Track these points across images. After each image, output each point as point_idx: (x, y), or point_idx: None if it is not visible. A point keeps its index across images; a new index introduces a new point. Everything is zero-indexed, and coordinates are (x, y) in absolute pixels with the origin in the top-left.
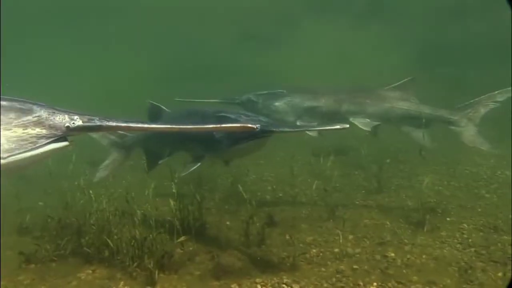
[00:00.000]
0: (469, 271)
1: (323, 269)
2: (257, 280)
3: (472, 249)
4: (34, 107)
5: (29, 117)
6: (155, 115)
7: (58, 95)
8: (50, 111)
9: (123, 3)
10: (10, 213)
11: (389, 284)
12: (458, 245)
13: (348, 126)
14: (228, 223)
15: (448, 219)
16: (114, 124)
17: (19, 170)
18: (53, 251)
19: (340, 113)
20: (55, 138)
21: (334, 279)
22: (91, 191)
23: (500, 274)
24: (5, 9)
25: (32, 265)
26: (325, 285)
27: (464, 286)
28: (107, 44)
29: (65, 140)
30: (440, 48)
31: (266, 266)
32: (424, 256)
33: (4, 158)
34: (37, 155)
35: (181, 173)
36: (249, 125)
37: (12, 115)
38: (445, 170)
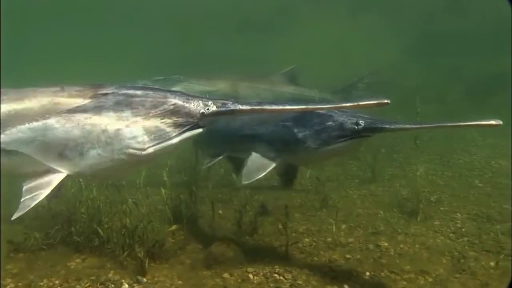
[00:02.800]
0: (462, 261)
1: (315, 258)
2: (249, 269)
3: (465, 239)
4: (168, 95)
5: (166, 106)
6: None
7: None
8: (184, 98)
9: None
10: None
11: (382, 274)
12: (451, 235)
13: (501, 123)
14: (220, 211)
15: (441, 208)
16: (248, 107)
17: (151, 162)
18: (42, 240)
19: (235, 97)
20: (191, 125)
21: (326, 269)
22: (81, 180)
23: (492, 263)
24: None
25: (21, 254)
26: (318, 274)
27: (457, 275)
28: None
29: (199, 127)
30: (436, 38)
31: (258, 255)
32: (417, 246)
33: (144, 150)
34: (174, 144)
35: (202, 166)
36: (384, 101)
37: (148, 104)
38: (439, 160)
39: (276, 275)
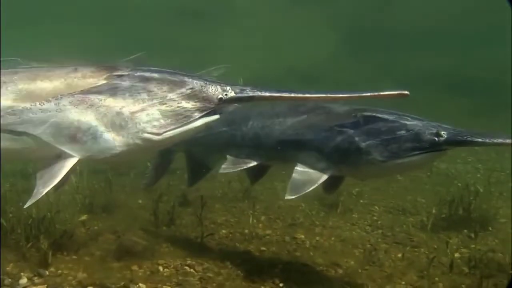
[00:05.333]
0: (373, 253)
1: (230, 250)
2: (160, 261)
3: (380, 231)
4: (186, 79)
5: (183, 90)
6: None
7: None
8: (202, 82)
9: None
10: None
11: (294, 266)
12: (367, 227)
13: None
14: (140, 201)
15: (361, 201)
16: (267, 94)
17: (166, 146)
18: None
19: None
20: (208, 111)
21: (239, 261)
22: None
23: (399, 255)
24: None
25: None
26: (230, 267)
27: (366, 267)
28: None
29: (215, 113)
30: (369, 33)
31: (172, 247)
32: (332, 238)
33: (160, 134)
34: (191, 130)
35: (222, 171)
36: (405, 92)
37: (165, 87)
38: None
39: (187, 267)
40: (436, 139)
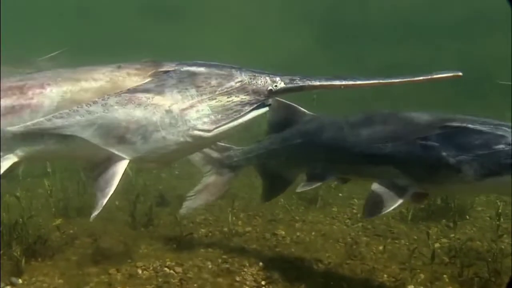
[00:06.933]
0: (354, 246)
1: (210, 249)
2: (138, 263)
3: (360, 224)
4: (234, 71)
5: (232, 83)
6: (282, 122)
7: None
8: (250, 74)
9: None
10: None
11: (275, 263)
12: (347, 221)
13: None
14: (117, 202)
15: (340, 194)
16: (317, 83)
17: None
18: None
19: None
20: (258, 103)
21: (219, 260)
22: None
23: (380, 247)
24: None
25: None
26: (210, 266)
27: (348, 261)
28: None
29: (264, 105)
30: (343, 26)
31: (150, 248)
32: (313, 233)
33: (211, 131)
34: (241, 124)
35: (301, 189)
36: (458, 73)
37: (214, 82)
38: None
39: (166, 268)
40: None
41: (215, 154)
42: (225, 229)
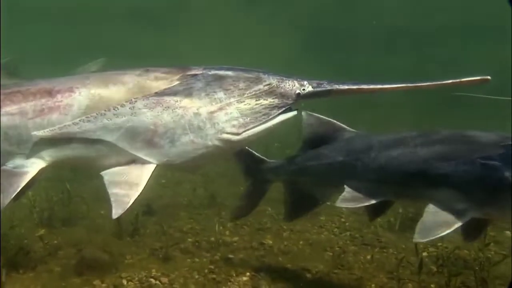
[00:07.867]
0: (342, 256)
1: (196, 259)
2: (123, 274)
3: (348, 233)
4: (262, 75)
5: (260, 86)
6: (319, 138)
7: None
8: (278, 77)
9: None
10: None
11: (262, 273)
12: (335, 229)
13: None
14: (102, 212)
15: (328, 203)
16: (345, 87)
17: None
18: None
19: None
20: (286, 107)
21: (206, 270)
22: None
23: (368, 256)
24: None
25: None
26: (196, 277)
27: (335, 270)
28: None
29: (291, 110)
30: (330, 33)
31: (136, 258)
32: (301, 242)
33: (240, 134)
34: (269, 128)
35: (340, 204)
36: (487, 77)
37: (242, 85)
38: None
39: (152, 279)
40: None
41: (252, 165)
42: (212, 238)
